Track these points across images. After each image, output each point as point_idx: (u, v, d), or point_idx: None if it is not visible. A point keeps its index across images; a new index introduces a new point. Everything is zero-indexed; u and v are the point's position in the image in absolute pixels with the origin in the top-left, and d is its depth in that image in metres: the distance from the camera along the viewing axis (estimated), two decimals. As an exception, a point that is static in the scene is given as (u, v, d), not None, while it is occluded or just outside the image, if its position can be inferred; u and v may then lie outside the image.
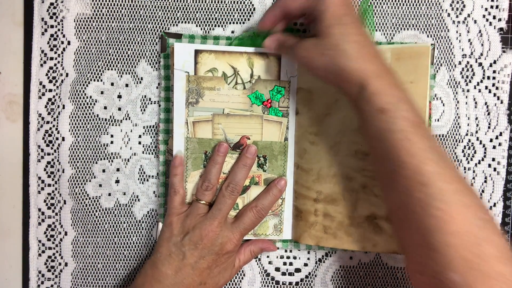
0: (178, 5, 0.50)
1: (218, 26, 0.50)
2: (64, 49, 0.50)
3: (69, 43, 0.50)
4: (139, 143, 0.50)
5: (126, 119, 0.50)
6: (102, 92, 0.50)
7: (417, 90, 0.42)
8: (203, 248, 0.43)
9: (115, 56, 0.50)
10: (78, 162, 0.50)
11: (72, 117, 0.50)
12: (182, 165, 0.47)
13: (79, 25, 0.50)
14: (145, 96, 0.50)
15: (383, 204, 0.44)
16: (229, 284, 0.52)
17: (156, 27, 0.50)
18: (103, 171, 0.50)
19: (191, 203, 0.46)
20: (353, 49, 0.36)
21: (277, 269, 0.51)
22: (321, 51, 0.38)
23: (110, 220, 0.51)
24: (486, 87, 0.50)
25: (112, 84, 0.50)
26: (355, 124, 0.44)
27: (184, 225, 0.44)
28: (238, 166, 0.46)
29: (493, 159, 0.51)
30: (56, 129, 0.50)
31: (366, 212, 0.45)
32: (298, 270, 0.52)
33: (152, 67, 0.50)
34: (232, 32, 0.50)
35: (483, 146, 0.51)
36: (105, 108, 0.50)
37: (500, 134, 0.51)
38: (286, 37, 0.43)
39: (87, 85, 0.50)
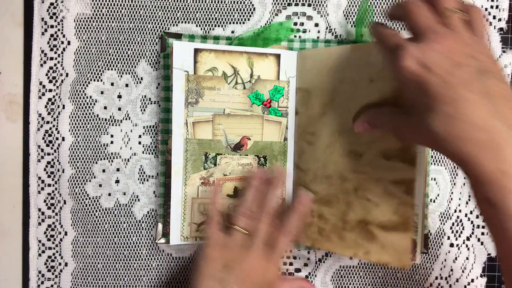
0: (178, 5, 0.50)
1: (218, 26, 0.50)
2: (64, 49, 0.50)
3: (69, 43, 0.50)
4: (139, 143, 0.50)
5: (126, 119, 0.50)
6: (102, 92, 0.50)
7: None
8: (251, 284, 0.40)
9: (115, 56, 0.50)
10: (78, 162, 0.50)
11: (72, 117, 0.50)
12: (219, 193, 0.47)
13: (79, 25, 0.50)
14: (145, 96, 0.50)
15: (375, 209, 0.42)
16: (229, 284, 0.52)
17: (156, 27, 0.50)
18: (103, 171, 0.50)
19: (227, 230, 0.43)
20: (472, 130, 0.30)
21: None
22: (415, 129, 0.33)
23: (110, 220, 0.51)
24: (486, 87, 0.50)
25: (112, 84, 0.50)
26: (350, 123, 0.44)
27: (225, 258, 0.41)
28: (295, 212, 0.45)
29: (493, 159, 0.51)
30: (56, 129, 0.50)
31: (358, 216, 0.43)
32: (298, 270, 0.52)
33: (152, 67, 0.50)
34: (232, 32, 0.50)
35: (483, 146, 0.51)
36: (105, 108, 0.50)
37: (500, 134, 0.51)
38: (378, 111, 0.39)
39: (87, 85, 0.50)
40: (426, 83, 0.31)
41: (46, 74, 0.50)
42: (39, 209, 0.50)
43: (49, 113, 0.50)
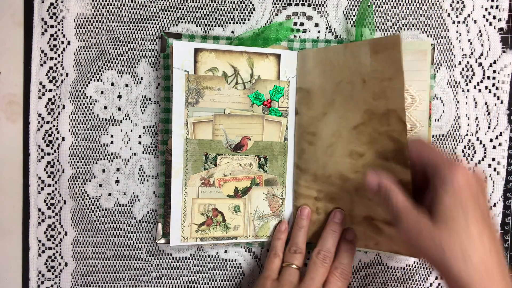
0: (178, 5, 0.50)
1: (218, 26, 0.50)
2: (64, 49, 0.50)
3: (69, 43, 0.50)
4: (139, 143, 0.50)
5: (126, 119, 0.50)
6: (102, 92, 0.50)
7: (395, 87, 0.39)
8: None
9: (115, 56, 0.50)
10: (78, 162, 0.50)
11: (72, 117, 0.50)
12: (287, 230, 0.47)
13: (79, 25, 0.50)
14: (145, 96, 0.50)
15: (377, 208, 0.43)
16: (229, 284, 0.52)
17: (156, 27, 0.50)
18: (103, 171, 0.50)
19: (282, 268, 0.44)
20: (473, 267, 0.31)
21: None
22: (433, 240, 0.32)
23: (110, 220, 0.51)
24: (486, 87, 0.50)
25: (112, 84, 0.50)
26: (351, 124, 0.44)
27: (267, 286, 0.42)
28: (327, 232, 0.44)
29: (493, 159, 0.51)
30: (56, 129, 0.50)
31: (363, 213, 0.44)
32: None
33: (152, 67, 0.50)
34: (232, 32, 0.50)
35: (483, 146, 0.51)
36: (105, 108, 0.50)
37: (500, 134, 0.51)
38: (392, 184, 0.37)
39: (87, 85, 0.50)
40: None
41: (46, 74, 0.50)
42: (39, 209, 0.50)
43: (49, 113, 0.50)
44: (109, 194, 0.51)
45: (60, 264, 0.51)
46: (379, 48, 0.40)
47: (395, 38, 0.39)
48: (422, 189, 0.37)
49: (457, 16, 0.50)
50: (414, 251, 0.35)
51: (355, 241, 0.45)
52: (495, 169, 0.51)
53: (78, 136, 0.50)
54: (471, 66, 0.50)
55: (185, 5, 0.50)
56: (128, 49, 0.50)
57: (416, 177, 0.38)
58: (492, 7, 0.50)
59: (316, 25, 0.50)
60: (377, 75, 0.41)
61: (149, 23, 0.50)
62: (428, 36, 0.50)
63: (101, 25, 0.50)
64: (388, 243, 0.43)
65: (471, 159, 0.51)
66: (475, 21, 0.50)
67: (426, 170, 0.36)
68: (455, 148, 0.51)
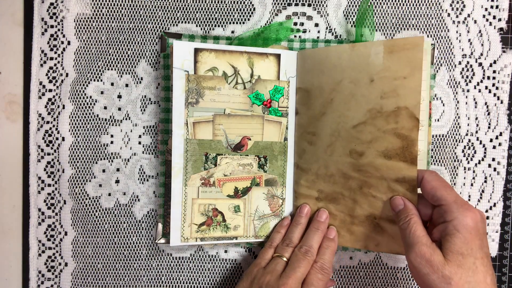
0: (178, 5, 0.50)
1: (218, 26, 0.50)
2: (64, 49, 0.50)
3: (69, 43, 0.50)
4: (139, 143, 0.50)
5: (126, 119, 0.50)
6: (102, 92, 0.50)
7: (410, 85, 0.41)
8: None
9: (115, 56, 0.50)
10: (78, 162, 0.50)
11: (72, 117, 0.50)
12: (287, 226, 0.48)
13: (79, 25, 0.50)
14: (145, 96, 0.50)
15: (381, 205, 0.44)
16: (229, 284, 0.52)
17: (156, 27, 0.50)
18: (103, 171, 0.50)
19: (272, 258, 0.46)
20: None
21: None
22: (442, 272, 0.36)
23: (110, 220, 0.51)
24: (486, 87, 0.50)
25: (112, 84, 0.50)
26: (350, 123, 0.44)
27: (260, 278, 0.43)
28: (310, 230, 0.46)
29: (493, 159, 0.51)
30: (56, 129, 0.50)
31: (366, 212, 0.45)
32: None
33: (152, 67, 0.50)
34: (232, 32, 0.50)
35: (483, 146, 0.51)
36: (105, 108, 0.50)
37: (500, 134, 0.51)
38: (415, 210, 0.41)
39: (87, 85, 0.50)
40: None
41: (46, 74, 0.50)
42: (39, 209, 0.50)
43: (49, 113, 0.50)
44: (109, 194, 0.51)
45: (60, 264, 0.51)
46: (396, 48, 0.41)
47: (417, 39, 0.40)
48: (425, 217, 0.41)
49: (457, 16, 0.50)
50: (418, 278, 0.38)
51: (336, 239, 0.46)
52: (495, 169, 0.51)
53: (78, 136, 0.50)
54: (471, 66, 0.50)
55: (185, 5, 0.50)
56: (128, 49, 0.50)
57: (424, 206, 0.41)
58: (492, 7, 0.50)
59: (316, 25, 0.50)
60: (389, 74, 0.41)
61: (149, 23, 0.50)
62: (428, 36, 0.50)
63: (101, 25, 0.50)
64: (389, 243, 0.44)
65: (471, 159, 0.51)
66: (475, 21, 0.50)
67: (436, 203, 0.39)
68: (455, 148, 0.51)
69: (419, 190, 0.41)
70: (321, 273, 0.43)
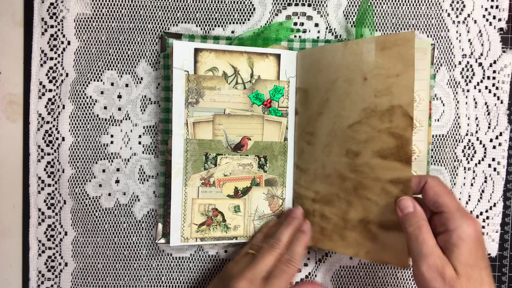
0: (178, 5, 0.50)
1: (218, 26, 0.50)
2: (64, 49, 0.50)
3: (69, 43, 0.50)
4: (139, 143, 0.50)
5: (126, 119, 0.50)
6: (102, 92, 0.50)
7: (403, 83, 0.39)
8: None
9: (115, 56, 0.50)
10: (78, 162, 0.50)
11: (72, 117, 0.50)
12: (273, 227, 0.48)
13: (79, 25, 0.50)
14: (145, 96, 0.50)
15: (375, 208, 0.43)
16: (229, 284, 0.52)
17: (156, 27, 0.50)
18: (103, 171, 0.50)
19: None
20: None
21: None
22: (453, 286, 0.36)
23: (110, 220, 0.51)
24: (486, 87, 0.50)
25: (112, 84, 0.50)
26: (345, 123, 0.44)
27: (227, 272, 0.43)
28: (282, 225, 0.46)
29: (493, 159, 0.51)
30: (56, 129, 0.50)
31: (359, 215, 0.44)
32: (298, 270, 0.52)
33: (152, 67, 0.50)
34: (232, 32, 0.50)
35: (483, 146, 0.51)
36: (105, 108, 0.50)
37: (500, 134, 0.51)
38: (425, 218, 0.39)
39: (87, 85, 0.50)
40: None
41: (46, 74, 0.50)
42: (39, 209, 0.50)
43: (49, 113, 0.50)
44: (109, 194, 0.51)
45: (60, 264, 0.51)
46: (388, 44, 0.40)
47: (408, 34, 0.39)
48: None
49: (457, 16, 0.50)
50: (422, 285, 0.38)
51: (309, 233, 0.46)
52: (495, 169, 0.51)
53: (78, 136, 0.50)
54: (471, 66, 0.50)
55: (185, 5, 0.50)
56: (128, 49, 0.50)
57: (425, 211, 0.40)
58: (492, 7, 0.50)
59: (316, 25, 0.50)
60: (382, 71, 0.40)
61: (149, 23, 0.50)
62: (428, 36, 0.50)
63: (101, 25, 0.50)
64: (379, 252, 0.42)
65: (471, 159, 0.51)
66: (475, 21, 0.50)
67: (437, 210, 0.39)
68: (455, 148, 0.51)
69: (419, 195, 0.41)
70: (286, 265, 0.42)
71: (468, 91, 0.50)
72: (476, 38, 0.50)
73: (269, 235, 0.46)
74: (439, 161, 0.51)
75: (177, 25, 0.50)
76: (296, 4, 0.50)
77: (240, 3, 0.50)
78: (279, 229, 0.45)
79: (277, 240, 0.44)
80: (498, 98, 0.50)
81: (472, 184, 0.51)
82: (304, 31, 0.50)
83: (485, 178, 0.51)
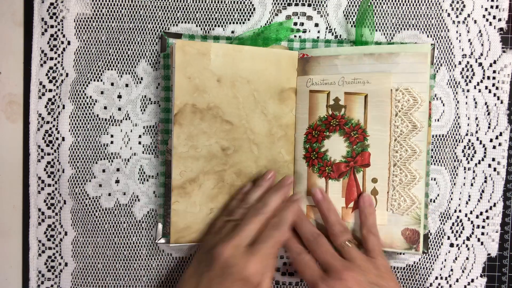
0: (178, 5, 0.50)
1: (218, 26, 0.50)
2: (64, 49, 0.50)
3: (69, 43, 0.50)
4: (139, 143, 0.50)
5: (126, 119, 0.50)
6: (102, 92, 0.50)
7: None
8: (217, 270, 0.38)
9: (115, 56, 0.50)
10: (78, 162, 0.50)
11: (72, 117, 0.50)
12: (248, 192, 0.46)
13: (79, 25, 0.50)
14: (145, 96, 0.50)
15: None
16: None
17: (156, 27, 0.50)
18: (103, 171, 0.50)
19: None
20: None
21: (277, 269, 0.51)
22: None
23: (110, 220, 0.51)
24: (486, 87, 0.50)
25: (112, 84, 0.50)
26: None
27: (207, 243, 0.42)
28: (270, 191, 0.44)
29: (493, 159, 0.51)
30: (56, 129, 0.50)
31: None
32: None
33: (152, 67, 0.50)
34: (232, 32, 0.50)
35: (483, 146, 0.51)
36: (105, 108, 0.50)
37: (500, 134, 0.51)
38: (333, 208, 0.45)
39: (87, 85, 0.50)
40: None
41: (46, 74, 0.50)
42: (39, 209, 0.50)
43: (49, 113, 0.50)
44: (109, 194, 0.51)
45: (60, 264, 0.51)
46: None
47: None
48: None
49: (457, 16, 0.50)
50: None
51: (300, 202, 0.46)
52: (495, 169, 0.51)
53: (78, 136, 0.50)
54: (471, 66, 0.50)
55: (185, 5, 0.50)
56: (128, 49, 0.50)
57: None
58: (492, 7, 0.50)
59: (316, 25, 0.50)
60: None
61: (149, 23, 0.50)
62: (428, 36, 0.50)
63: (101, 25, 0.50)
64: None
65: (471, 159, 0.51)
66: (475, 21, 0.50)
67: None
68: (455, 148, 0.51)
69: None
70: (273, 230, 0.40)
71: (468, 91, 0.50)
72: (476, 38, 0.50)
73: (245, 201, 0.43)
74: (439, 161, 0.51)
75: (177, 25, 0.50)
76: (296, 4, 0.50)
77: (240, 3, 0.50)
78: (267, 194, 0.43)
79: (264, 204, 0.42)
80: (498, 98, 0.50)
81: (472, 184, 0.51)
82: (304, 31, 0.50)
83: (485, 178, 0.51)
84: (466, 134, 0.51)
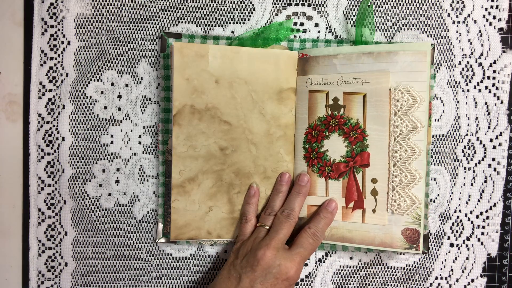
0: (178, 5, 0.50)
1: (218, 26, 0.50)
2: (64, 49, 0.50)
3: (69, 43, 0.50)
4: (139, 143, 0.50)
5: (126, 119, 0.50)
6: (102, 92, 0.50)
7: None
8: (260, 271, 0.42)
9: (115, 56, 0.50)
10: (78, 162, 0.50)
11: (72, 117, 0.50)
12: (258, 195, 0.48)
13: (79, 25, 0.50)
14: (145, 96, 0.50)
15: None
16: (229, 284, 0.52)
17: (156, 27, 0.50)
18: (103, 171, 0.50)
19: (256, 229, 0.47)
20: None
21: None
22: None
23: (110, 220, 0.51)
24: (486, 87, 0.50)
25: (112, 84, 0.50)
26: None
27: (244, 248, 0.45)
28: (292, 194, 0.47)
29: (493, 159, 0.51)
30: (56, 129, 0.50)
31: None
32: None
33: (152, 67, 0.50)
34: (232, 32, 0.50)
35: (483, 146, 0.51)
36: (105, 108, 0.50)
37: (500, 134, 0.51)
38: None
39: (87, 85, 0.50)
40: None
41: (46, 74, 0.50)
42: (39, 209, 0.50)
43: (49, 113, 0.50)
44: (109, 194, 0.51)
45: (60, 264, 0.51)
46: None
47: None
48: None
49: (457, 16, 0.50)
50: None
51: (335, 212, 0.47)
52: (495, 169, 0.51)
53: (78, 136, 0.50)
54: (471, 66, 0.50)
55: (185, 5, 0.50)
56: (128, 49, 0.50)
57: None
58: (492, 7, 0.50)
59: (316, 25, 0.50)
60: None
61: (149, 23, 0.50)
62: (428, 36, 0.50)
63: (101, 25, 0.50)
64: None
65: (471, 159, 0.51)
66: (475, 21, 0.50)
67: None
68: (455, 148, 0.51)
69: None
70: (312, 239, 0.44)
71: (468, 91, 0.50)
72: (476, 38, 0.50)
73: (270, 205, 0.47)
74: (439, 161, 0.51)
75: (177, 25, 0.50)
76: (296, 4, 0.50)
77: (240, 3, 0.50)
78: (290, 198, 0.47)
79: (292, 210, 0.46)
80: (498, 98, 0.50)
81: (472, 184, 0.51)
82: (304, 31, 0.50)
83: (485, 178, 0.51)
84: (466, 134, 0.51)
